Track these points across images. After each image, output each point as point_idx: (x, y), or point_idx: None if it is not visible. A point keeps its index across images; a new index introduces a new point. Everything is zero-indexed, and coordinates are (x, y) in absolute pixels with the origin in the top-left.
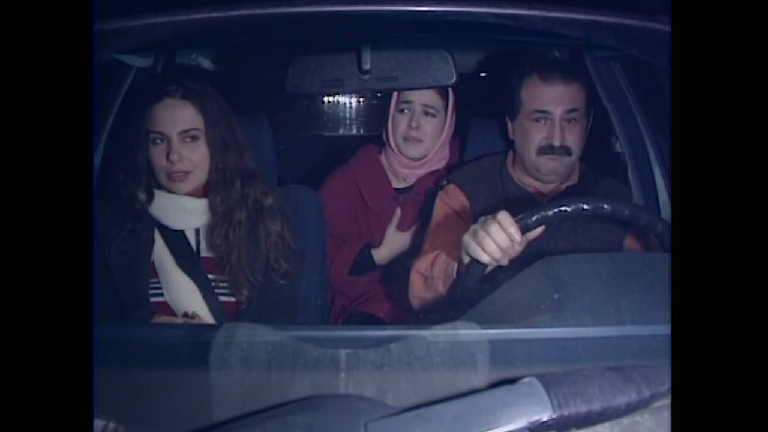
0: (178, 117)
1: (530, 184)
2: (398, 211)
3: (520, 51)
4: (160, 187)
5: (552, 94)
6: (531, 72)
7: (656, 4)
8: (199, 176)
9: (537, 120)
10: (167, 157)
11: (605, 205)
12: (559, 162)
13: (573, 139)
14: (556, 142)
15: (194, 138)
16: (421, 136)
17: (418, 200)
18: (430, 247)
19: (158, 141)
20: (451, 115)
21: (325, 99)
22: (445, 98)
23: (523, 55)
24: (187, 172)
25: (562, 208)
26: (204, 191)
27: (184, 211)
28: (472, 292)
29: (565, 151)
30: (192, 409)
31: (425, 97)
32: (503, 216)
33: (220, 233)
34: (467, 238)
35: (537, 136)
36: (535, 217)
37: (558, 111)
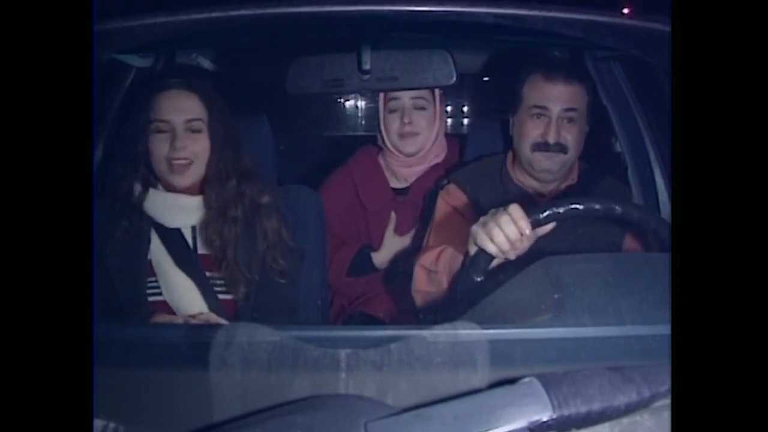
0: (184, 106)
1: (530, 184)
2: (396, 214)
3: (520, 51)
4: (157, 184)
5: (552, 91)
6: (534, 69)
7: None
8: (198, 169)
9: (534, 116)
10: (171, 144)
11: (617, 207)
12: (552, 160)
13: (570, 137)
14: (551, 139)
15: (197, 130)
16: (415, 130)
17: (416, 201)
18: (434, 243)
19: (162, 129)
20: (440, 105)
21: (325, 99)
22: (432, 90)
23: (523, 55)
24: (189, 163)
25: (574, 206)
26: (200, 188)
27: (180, 209)
28: (472, 292)
29: (560, 148)
30: (192, 409)
31: (413, 91)
32: (514, 208)
33: (215, 230)
34: (476, 228)
35: (533, 132)
36: (546, 213)
37: (556, 108)
